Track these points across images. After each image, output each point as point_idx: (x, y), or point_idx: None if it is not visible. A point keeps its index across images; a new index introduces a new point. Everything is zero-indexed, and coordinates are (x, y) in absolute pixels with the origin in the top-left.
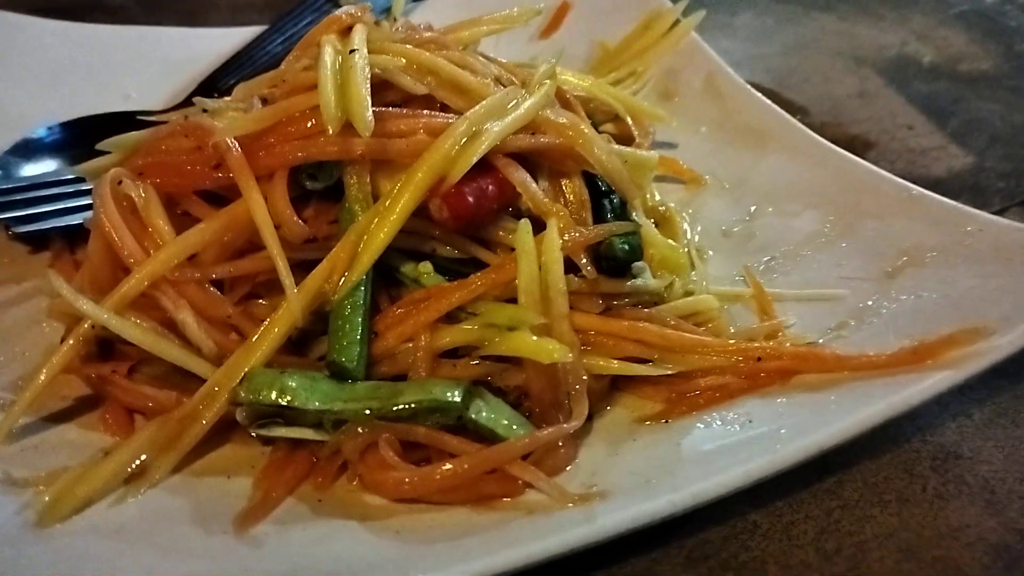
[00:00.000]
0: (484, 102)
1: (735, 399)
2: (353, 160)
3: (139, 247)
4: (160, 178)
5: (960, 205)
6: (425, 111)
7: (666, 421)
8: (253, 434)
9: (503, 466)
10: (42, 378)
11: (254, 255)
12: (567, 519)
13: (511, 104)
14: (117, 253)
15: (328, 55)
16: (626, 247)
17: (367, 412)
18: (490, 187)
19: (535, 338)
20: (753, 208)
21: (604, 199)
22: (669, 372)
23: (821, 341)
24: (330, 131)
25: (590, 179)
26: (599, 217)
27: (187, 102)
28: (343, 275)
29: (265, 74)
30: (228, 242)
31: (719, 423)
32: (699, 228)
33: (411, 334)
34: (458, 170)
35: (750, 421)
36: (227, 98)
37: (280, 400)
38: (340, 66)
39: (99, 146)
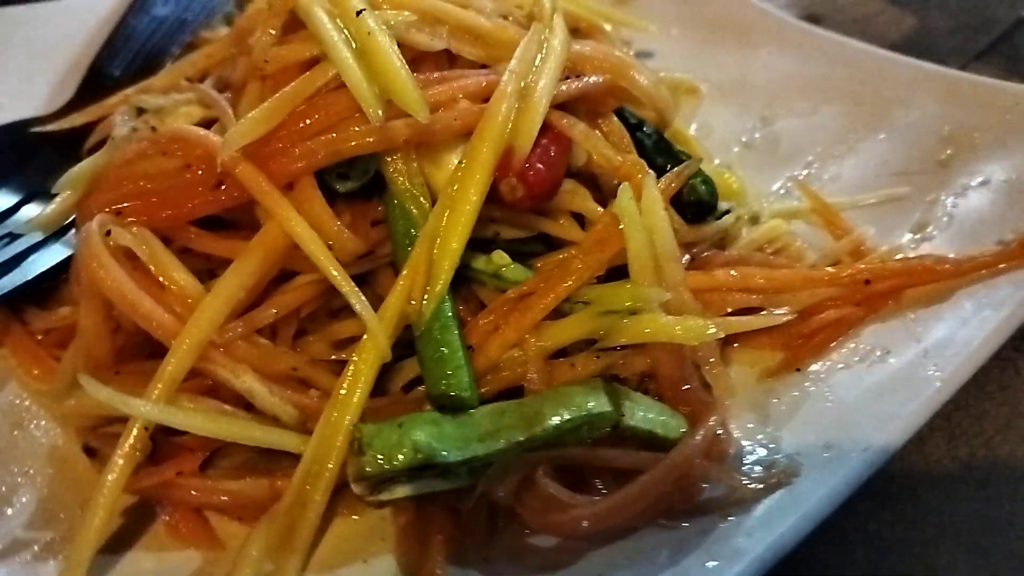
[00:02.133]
0: (517, 51)
1: (856, 329)
2: (396, 149)
3: (167, 313)
4: (147, 214)
5: (985, 79)
6: (456, 72)
7: (798, 370)
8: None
9: (688, 471)
10: (99, 515)
11: (291, 286)
12: (773, 510)
13: (544, 47)
14: (135, 324)
15: (325, 21)
16: (705, 187)
17: (515, 447)
18: (553, 150)
19: (667, 318)
20: (764, 113)
21: (637, 134)
22: (790, 317)
23: (909, 246)
24: (371, 118)
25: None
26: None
27: (79, 100)
28: (424, 290)
29: (199, 50)
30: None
31: (856, 359)
32: (715, 144)
33: (516, 340)
34: (526, 139)
35: (888, 351)
36: (174, 95)
37: (415, 461)
38: (351, 34)
39: (54, 188)
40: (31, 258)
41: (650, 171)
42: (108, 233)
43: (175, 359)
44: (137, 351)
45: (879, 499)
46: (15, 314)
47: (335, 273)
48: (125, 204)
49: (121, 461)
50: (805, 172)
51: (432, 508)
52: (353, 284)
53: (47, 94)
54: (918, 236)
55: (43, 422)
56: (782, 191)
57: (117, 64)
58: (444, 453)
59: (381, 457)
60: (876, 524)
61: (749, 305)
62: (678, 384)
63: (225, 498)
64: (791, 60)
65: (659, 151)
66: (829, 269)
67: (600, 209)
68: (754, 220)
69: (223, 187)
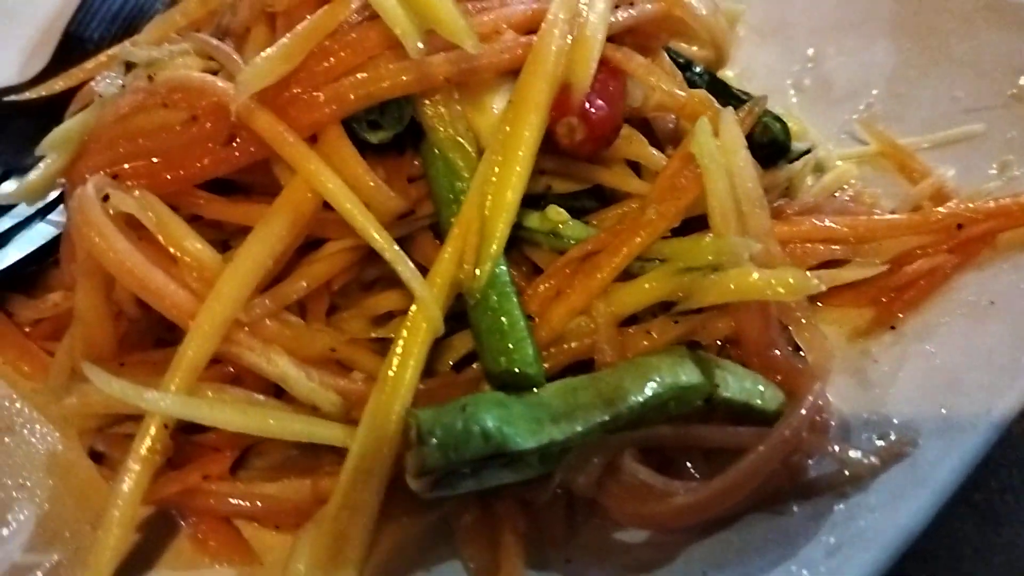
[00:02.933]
0: None
1: (950, 279)
2: (434, 90)
3: (182, 289)
4: (149, 177)
5: None
6: (494, 0)
7: (892, 327)
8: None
9: (796, 447)
10: (114, 532)
11: (320, 255)
12: (895, 487)
13: None
14: (140, 306)
15: None
16: (779, 125)
17: (596, 429)
18: (611, 85)
19: (759, 272)
20: (811, 51)
21: (686, 74)
22: (884, 268)
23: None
24: (411, 51)
25: None
26: None
27: (55, 66)
28: (477, 252)
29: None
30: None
31: (960, 312)
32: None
33: (583, 306)
34: (584, 73)
35: (992, 303)
36: (167, 46)
37: (485, 450)
38: None
39: (39, 150)
40: (13, 240)
41: (709, 103)
42: (106, 198)
43: (195, 343)
44: (142, 338)
45: (984, 466)
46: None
47: (377, 236)
48: (123, 166)
49: (137, 467)
50: (865, 114)
51: (500, 503)
52: (398, 248)
53: (19, 61)
54: (1004, 176)
55: (38, 425)
56: (842, 135)
57: (95, 26)
58: (518, 440)
59: (446, 447)
60: (983, 494)
61: (833, 258)
62: (766, 348)
63: (261, 504)
64: None
65: (715, 93)
66: (915, 215)
67: (658, 156)
68: (819, 167)
69: (236, 142)
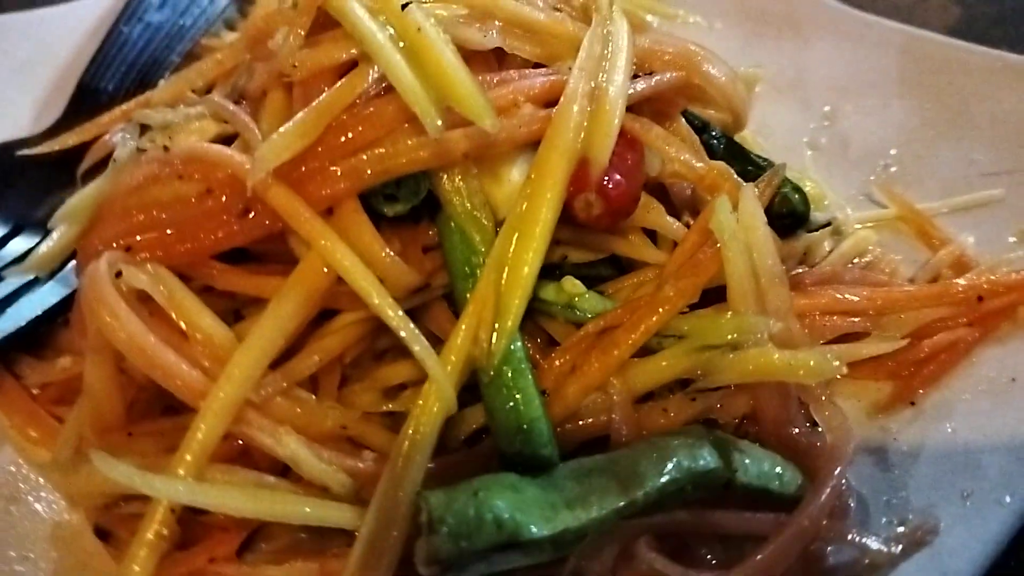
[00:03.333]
0: (583, 47)
1: (971, 354)
2: (452, 164)
3: (193, 369)
4: (162, 249)
5: None
6: (515, 72)
7: (912, 403)
8: None
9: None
10: None
11: (331, 327)
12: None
13: (609, 42)
14: (154, 381)
15: (366, 17)
16: (798, 196)
17: (612, 516)
18: (629, 158)
19: (780, 352)
20: (827, 108)
21: (703, 137)
22: (903, 343)
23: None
24: (430, 129)
25: None
26: None
27: (69, 119)
28: (492, 327)
29: (206, 58)
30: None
31: (981, 389)
32: (777, 147)
33: (599, 382)
34: (603, 147)
35: (1013, 379)
36: (182, 108)
37: (498, 539)
38: (396, 31)
39: (52, 222)
40: (22, 300)
41: (729, 177)
42: (119, 274)
43: (205, 425)
44: (151, 406)
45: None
46: (6, 366)
47: (391, 313)
48: (136, 238)
49: (144, 551)
50: (883, 175)
51: None
52: (412, 325)
53: (32, 113)
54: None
55: (44, 493)
56: (860, 197)
57: (110, 78)
58: (532, 527)
59: (458, 536)
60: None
61: (853, 331)
62: (784, 426)
63: None
64: (851, 52)
65: (732, 157)
66: (935, 286)
67: (676, 224)
68: (836, 230)
69: (251, 215)
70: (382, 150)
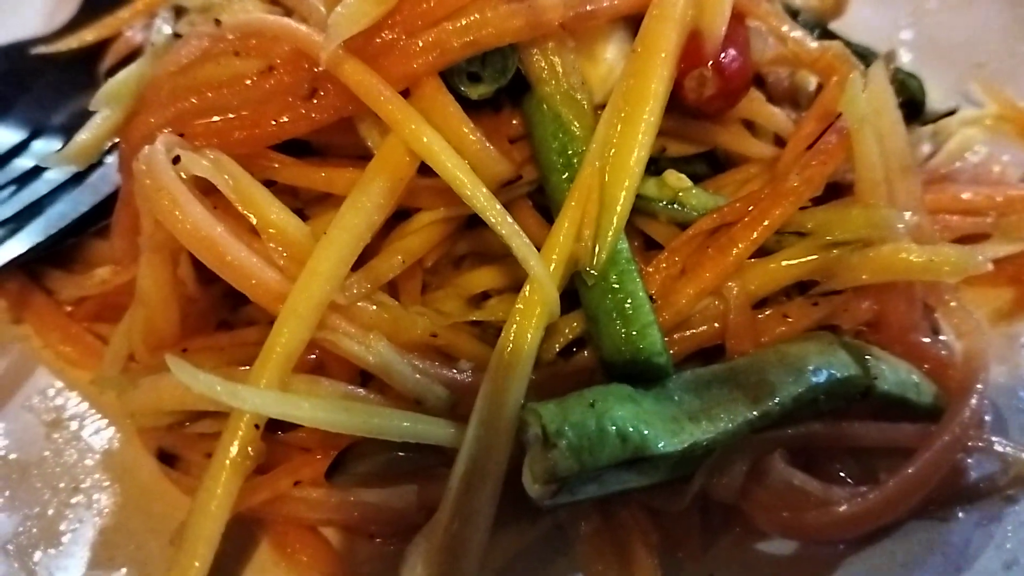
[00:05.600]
0: None
1: None
2: (545, 38)
3: (268, 267)
4: (218, 136)
5: None
6: None
7: None
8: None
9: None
10: (201, 551)
11: (409, 228)
12: None
13: None
14: (199, 284)
15: None
16: (915, 82)
17: (744, 428)
18: (739, 34)
19: (917, 248)
20: (911, 8)
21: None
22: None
23: None
24: None
25: None
26: None
27: (83, 15)
28: (596, 224)
29: None
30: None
31: None
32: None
33: (715, 286)
34: (718, 18)
35: None
36: None
37: (623, 455)
38: None
39: (92, 104)
40: (50, 208)
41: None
42: (176, 160)
43: (288, 330)
44: (202, 320)
45: None
46: (35, 280)
47: (487, 205)
48: (189, 123)
49: (225, 474)
50: (977, 74)
51: (625, 511)
52: (511, 221)
53: (44, 10)
54: None
55: (89, 418)
56: (954, 97)
57: None
58: (660, 442)
59: (579, 451)
60: None
61: (977, 231)
62: (909, 333)
63: (359, 513)
64: None
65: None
66: None
67: (780, 114)
68: (935, 132)
69: (319, 96)
70: (468, 19)
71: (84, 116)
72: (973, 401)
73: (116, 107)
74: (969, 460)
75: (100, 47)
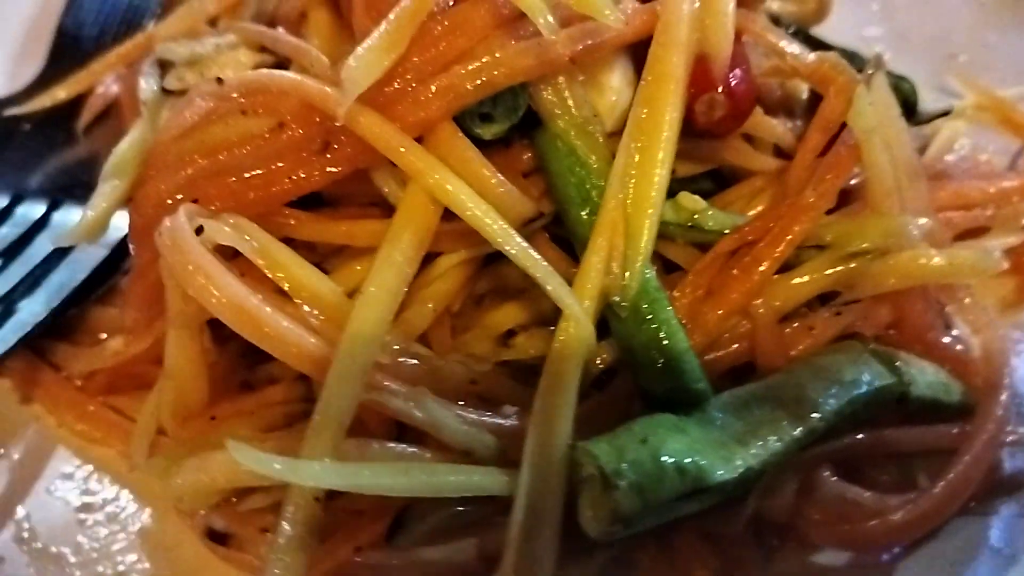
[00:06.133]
0: None
1: None
2: (555, 72)
3: (307, 333)
4: (233, 198)
5: None
6: None
7: None
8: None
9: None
10: None
11: (433, 273)
12: None
13: None
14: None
15: None
16: (908, 85)
17: (793, 447)
18: (740, 55)
19: (935, 252)
20: (878, 4)
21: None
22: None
23: None
24: (544, 29)
25: None
26: None
27: (51, 71)
28: (623, 255)
29: None
30: None
31: None
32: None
33: (742, 305)
34: (723, 40)
35: None
36: (209, 40)
37: (683, 487)
38: None
39: (102, 178)
40: (45, 280)
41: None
42: (199, 230)
43: (337, 397)
44: (222, 383)
45: None
46: (40, 356)
47: (520, 249)
48: (201, 187)
49: (290, 555)
50: (951, 66)
51: (680, 538)
52: (542, 260)
53: (7, 68)
54: None
55: (122, 499)
56: (929, 90)
57: (92, 21)
58: (717, 472)
59: (641, 489)
60: None
61: (976, 225)
62: (927, 333)
63: (423, 573)
64: None
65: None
66: None
67: (780, 126)
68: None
69: (332, 150)
70: (480, 61)
71: (67, 176)
72: (1003, 396)
73: (123, 177)
74: (1004, 453)
75: (74, 103)
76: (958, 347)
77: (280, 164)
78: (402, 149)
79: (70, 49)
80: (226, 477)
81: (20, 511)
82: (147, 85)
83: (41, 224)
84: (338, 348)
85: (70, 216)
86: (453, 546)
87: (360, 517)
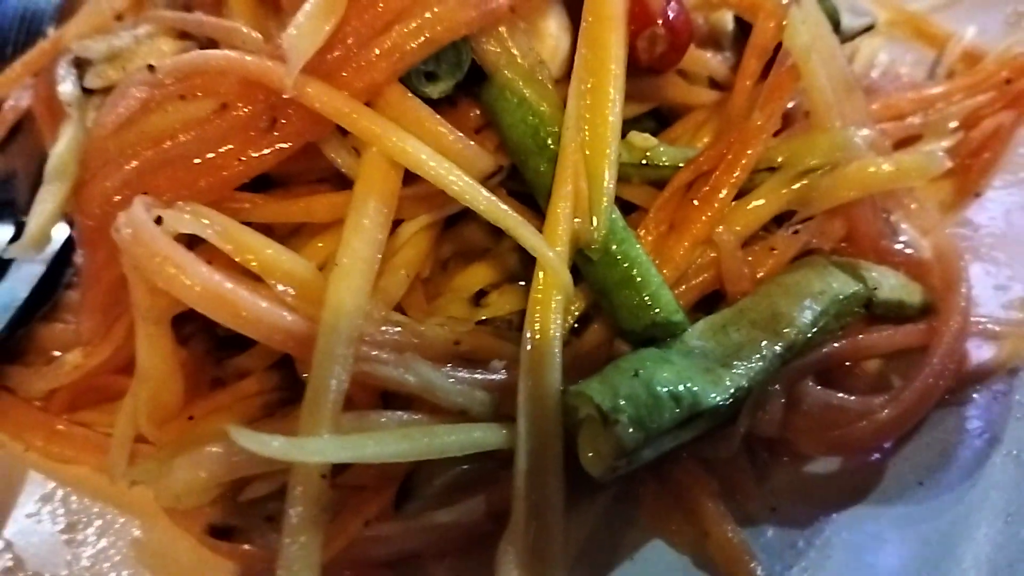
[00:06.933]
0: None
1: (1013, 133)
2: (497, 23)
3: (288, 312)
4: (183, 187)
5: None
6: None
7: (977, 194)
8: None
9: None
10: None
11: (398, 239)
12: None
13: None
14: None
15: None
16: (829, 3)
17: (777, 363)
18: None
19: (880, 160)
20: None
21: None
22: (960, 135)
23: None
24: None
25: None
26: None
27: None
28: (588, 198)
29: None
30: None
31: None
32: None
33: (706, 235)
34: None
35: None
36: (127, 32)
37: (681, 414)
38: None
39: (45, 179)
40: None
41: None
42: (158, 221)
43: (328, 371)
44: (192, 382)
45: None
46: None
47: (486, 202)
48: (148, 180)
49: (305, 536)
50: None
51: (678, 468)
52: (511, 211)
53: None
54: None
55: (106, 515)
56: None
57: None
58: (711, 395)
59: (641, 421)
60: None
61: (907, 135)
62: (879, 240)
63: (433, 537)
64: None
65: None
66: (964, 79)
67: (713, 58)
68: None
69: (279, 126)
70: (420, 18)
71: None
72: (963, 288)
73: (63, 180)
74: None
75: None
76: (908, 251)
77: (228, 146)
78: (355, 115)
79: None
80: (224, 469)
81: (4, 541)
82: (67, 87)
83: None
84: (322, 323)
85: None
86: (461, 507)
87: (364, 492)
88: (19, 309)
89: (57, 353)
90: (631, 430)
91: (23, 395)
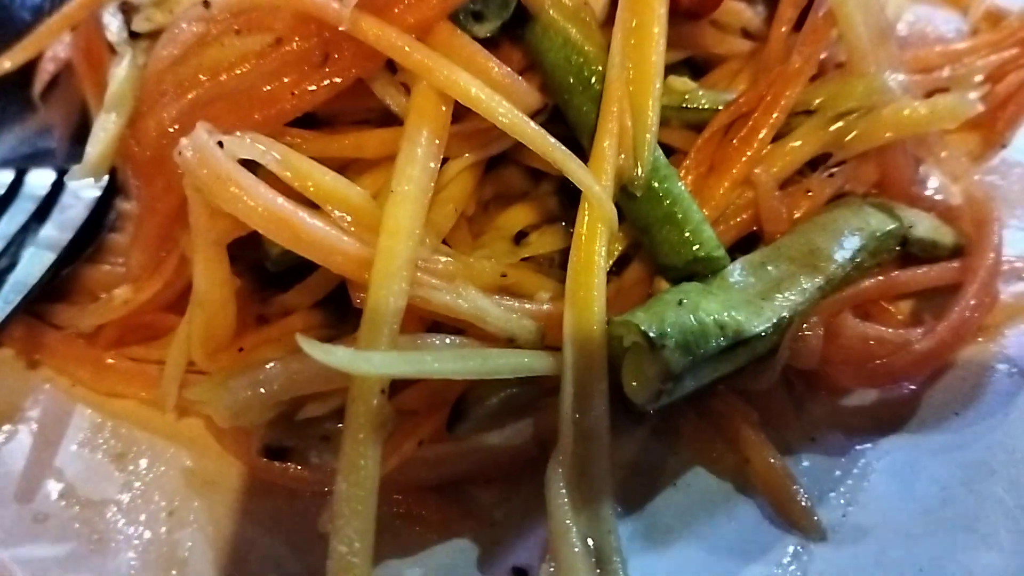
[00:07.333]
0: None
1: None
2: None
3: (345, 236)
4: (236, 119)
5: None
6: None
7: (1003, 146)
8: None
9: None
10: (370, 537)
11: (446, 175)
12: None
13: None
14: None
15: None
16: None
17: (817, 295)
18: None
19: (917, 103)
20: None
21: None
22: (986, 88)
23: None
24: None
25: None
26: None
27: None
28: (633, 136)
29: None
30: None
31: None
32: None
33: (745, 175)
34: None
35: None
36: None
37: (726, 340)
38: None
39: (104, 110)
40: (32, 243)
41: None
42: (219, 146)
43: (385, 292)
44: (239, 317)
45: None
46: (39, 318)
47: (536, 135)
48: (203, 111)
49: (366, 446)
50: None
51: (717, 400)
52: (558, 143)
53: None
54: None
55: (156, 445)
56: None
57: None
58: (755, 324)
59: (687, 346)
60: None
61: (936, 87)
62: (910, 186)
63: (483, 459)
64: None
65: None
66: (989, 36)
67: (746, 8)
68: None
69: (332, 61)
70: None
71: (29, 144)
72: (995, 228)
73: (120, 110)
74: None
75: (23, 72)
76: (938, 197)
77: (283, 80)
78: (408, 49)
79: (6, 19)
80: (282, 387)
81: (54, 470)
82: (115, 28)
83: (12, 194)
84: (379, 245)
85: (42, 182)
86: (510, 429)
87: (416, 415)
88: (64, 250)
89: (103, 295)
90: (678, 354)
91: (71, 331)
